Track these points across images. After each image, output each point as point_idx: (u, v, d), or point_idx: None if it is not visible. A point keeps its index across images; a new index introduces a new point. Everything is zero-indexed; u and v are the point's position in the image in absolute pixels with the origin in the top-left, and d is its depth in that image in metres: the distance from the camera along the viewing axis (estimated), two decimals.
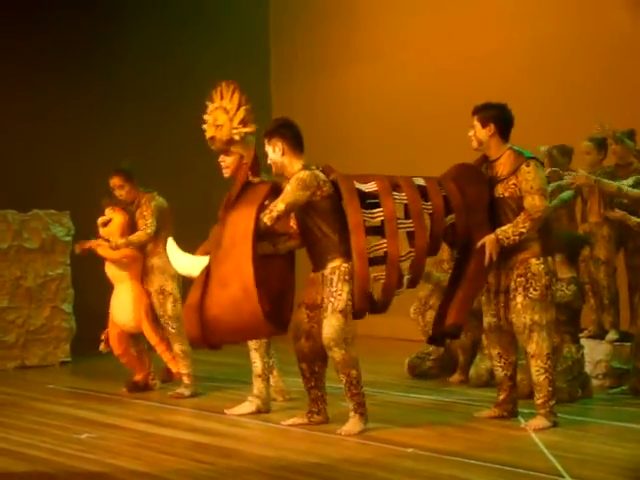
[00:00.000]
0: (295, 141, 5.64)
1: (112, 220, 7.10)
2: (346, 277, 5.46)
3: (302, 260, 5.81)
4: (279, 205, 5.43)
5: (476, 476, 4.50)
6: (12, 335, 8.55)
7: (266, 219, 5.40)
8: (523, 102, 7.87)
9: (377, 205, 5.52)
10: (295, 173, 5.54)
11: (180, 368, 6.95)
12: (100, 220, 7.16)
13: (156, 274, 7.00)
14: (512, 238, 5.48)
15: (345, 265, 5.47)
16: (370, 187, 5.56)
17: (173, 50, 10.65)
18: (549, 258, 5.59)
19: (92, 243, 7.05)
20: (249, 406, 6.16)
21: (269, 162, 5.68)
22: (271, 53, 11.73)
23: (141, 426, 5.85)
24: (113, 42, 10.34)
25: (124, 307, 7.05)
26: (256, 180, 5.68)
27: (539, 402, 5.52)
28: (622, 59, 8.65)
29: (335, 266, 5.48)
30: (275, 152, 5.62)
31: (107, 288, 7.64)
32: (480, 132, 5.66)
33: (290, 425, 5.70)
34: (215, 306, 5.24)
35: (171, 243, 5.78)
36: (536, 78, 9.15)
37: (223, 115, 6.03)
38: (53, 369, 8.57)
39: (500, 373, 5.80)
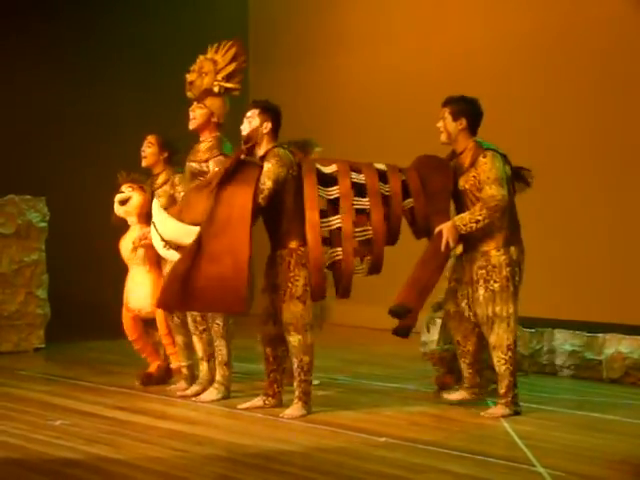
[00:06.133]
0: (278, 127, 5.75)
1: (131, 198, 6.82)
2: (303, 261, 5.54)
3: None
4: (267, 183, 5.50)
5: (449, 465, 4.53)
6: None
7: (260, 200, 5.49)
8: (507, 96, 7.86)
9: (335, 184, 5.61)
10: (267, 151, 5.61)
11: (180, 360, 6.69)
12: (119, 197, 6.84)
13: (167, 259, 6.48)
14: (469, 225, 5.50)
15: (302, 249, 5.55)
16: (330, 169, 5.66)
17: (149, 34, 10.59)
18: (512, 248, 5.59)
19: (137, 241, 6.66)
20: (215, 393, 6.17)
21: (245, 131, 5.69)
22: (249, 39, 11.68)
23: (116, 413, 5.84)
24: (90, 28, 10.29)
25: (141, 291, 6.79)
26: (250, 159, 5.68)
27: (501, 392, 5.61)
28: (603, 56, 8.56)
29: (293, 248, 5.57)
30: (262, 127, 5.66)
31: (82, 274, 7.62)
32: (450, 125, 5.69)
33: (246, 408, 5.81)
34: (202, 279, 5.39)
35: (157, 205, 5.70)
36: (523, 73, 9.05)
37: (210, 65, 6.10)
38: (27, 355, 8.49)
39: (459, 360, 5.90)
